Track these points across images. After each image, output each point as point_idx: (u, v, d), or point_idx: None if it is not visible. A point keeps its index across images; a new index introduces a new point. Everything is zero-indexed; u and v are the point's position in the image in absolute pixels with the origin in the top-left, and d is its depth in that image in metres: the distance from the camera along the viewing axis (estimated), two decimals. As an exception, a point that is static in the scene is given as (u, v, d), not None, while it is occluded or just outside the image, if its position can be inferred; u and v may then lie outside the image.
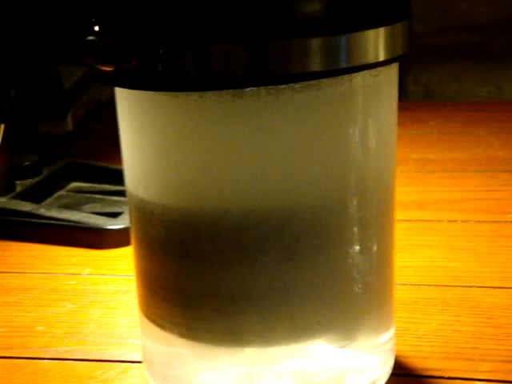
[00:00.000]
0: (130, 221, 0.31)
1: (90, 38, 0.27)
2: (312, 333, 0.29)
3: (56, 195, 0.56)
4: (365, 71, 0.27)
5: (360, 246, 0.29)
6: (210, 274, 0.28)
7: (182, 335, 0.30)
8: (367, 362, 0.31)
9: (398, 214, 0.33)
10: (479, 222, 0.50)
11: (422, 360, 0.35)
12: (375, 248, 0.30)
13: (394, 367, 0.33)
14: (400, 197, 0.34)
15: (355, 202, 0.29)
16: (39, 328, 0.39)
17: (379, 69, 0.27)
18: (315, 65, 0.25)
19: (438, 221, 0.50)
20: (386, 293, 0.32)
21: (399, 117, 0.31)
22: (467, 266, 0.44)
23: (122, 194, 0.50)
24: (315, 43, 0.25)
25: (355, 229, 0.29)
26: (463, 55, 0.83)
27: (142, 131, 0.28)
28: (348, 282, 0.29)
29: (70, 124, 0.67)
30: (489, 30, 0.82)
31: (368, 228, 0.29)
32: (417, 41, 0.80)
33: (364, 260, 0.30)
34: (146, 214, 0.29)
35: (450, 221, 0.50)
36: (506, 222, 0.49)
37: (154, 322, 0.31)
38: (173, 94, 0.26)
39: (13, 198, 0.54)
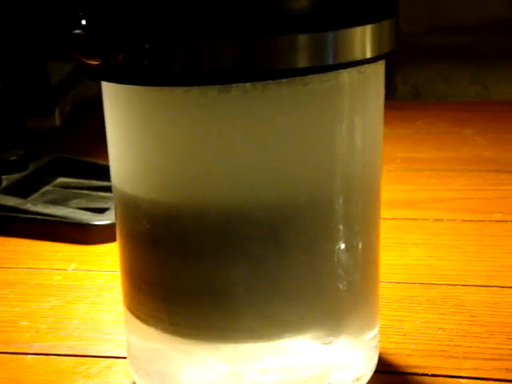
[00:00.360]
0: (116, 216, 0.31)
1: (77, 31, 0.27)
2: (296, 329, 0.29)
3: (42, 190, 0.56)
4: (351, 68, 0.27)
5: (345, 243, 0.29)
6: (195, 270, 0.28)
7: (165, 331, 0.30)
8: (351, 358, 0.31)
9: (385, 213, 0.33)
10: (465, 220, 0.50)
11: (406, 357, 0.35)
12: (360, 245, 0.30)
13: (378, 364, 0.33)
14: (387, 195, 0.34)
15: (341, 199, 0.29)
16: (24, 323, 0.39)
17: (366, 66, 0.27)
18: (302, 61, 0.25)
19: (424, 219, 0.50)
20: (370, 290, 0.32)
21: (387, 116, 0.31)
22: (452, 264, 0.44)
23: (109, 189, 0.49)
24: (302, 40, 0.25)
25: (340, 226, 0.29)
26: (452, 55, 0.83)
27: (128, 125, 0.28)
28: (333, 280, 0.29)
29: (57, 119, 0.67)
30: (477, 31, 0.82)
31: (353, 225, 0.29)
32: (406, 41, 0.80)
33: (349, 257, 0.30)
34: (131, 209, 0.29)
35: (436, 219, 0.50)
36: (491, 221, 0.50)
37: (138, 317, 0.31)
38: (158, 87, 0.26)
39: (-1, 192, 0.53)
